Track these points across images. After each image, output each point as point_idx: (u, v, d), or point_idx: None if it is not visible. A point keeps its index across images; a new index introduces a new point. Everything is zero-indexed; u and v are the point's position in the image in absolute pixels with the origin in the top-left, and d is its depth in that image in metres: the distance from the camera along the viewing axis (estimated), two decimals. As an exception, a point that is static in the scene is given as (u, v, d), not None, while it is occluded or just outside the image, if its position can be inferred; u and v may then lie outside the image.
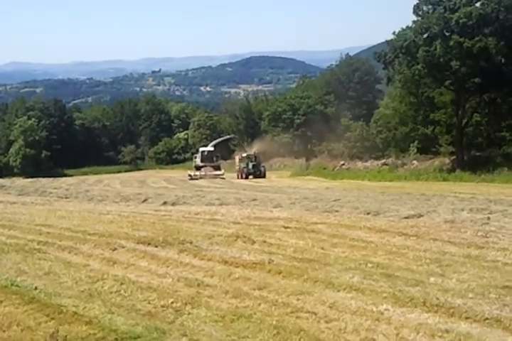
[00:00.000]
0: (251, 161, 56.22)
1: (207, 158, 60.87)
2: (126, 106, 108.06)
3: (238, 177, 55.32)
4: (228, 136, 75.24)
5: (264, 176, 54.49)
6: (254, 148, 64.42)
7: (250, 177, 53.71)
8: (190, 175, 55.74)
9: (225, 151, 72.15)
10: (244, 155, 58.36)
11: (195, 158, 62.54)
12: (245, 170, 55.13)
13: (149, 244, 12.17)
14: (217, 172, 56.76)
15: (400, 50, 42.76)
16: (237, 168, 58.03)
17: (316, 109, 74.07)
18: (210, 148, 64.90)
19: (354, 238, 12.63)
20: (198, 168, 58.78)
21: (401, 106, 50.73)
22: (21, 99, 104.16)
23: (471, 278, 8.95)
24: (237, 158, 60.42)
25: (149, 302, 8.05)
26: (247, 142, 70.59)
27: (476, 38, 39.81)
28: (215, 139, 72.15)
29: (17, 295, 8.50)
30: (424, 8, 43.66)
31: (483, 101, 45.30)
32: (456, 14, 40.28)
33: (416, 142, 50.45)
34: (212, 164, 59.89)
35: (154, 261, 10.64)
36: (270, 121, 76.68)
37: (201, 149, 64.28)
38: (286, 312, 7.49)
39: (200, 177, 53.92)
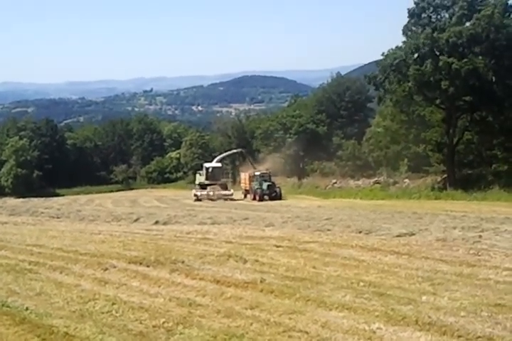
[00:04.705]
0: (265, 181, 48.57)
1: (213, 175, 52.51)
2: (118, 126, 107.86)
3: (245, 198, 49.84)
4: (236, 150, 65.10)
5: (280, 198, 47.35)
6: (266, 166, 57.16)
7: (265, 198, 47.12)
8: (196, 196, 48.89)
9: None
10: (258, 173, 49.96)
11: (200, 175, 54.03)
12: (259, 191, 47.62)
13: (141, 263, 12.14)
14: (226, 193, 49.98)
15: (390, 68, 42.98)
16: (244, 186, 52.23)
17: (307, 127, 74.04)
18: (216, 163, 55.79)
19: (346, 257, 12.64)
20: (202, 187, 51.36)
21: (392, 125, 50.99)
22: (13, 119, 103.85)
23: (463, 297, 8.96)
24: (245, 175, 53.20)
25: (141, 323, 8.02)
26: (239, 161, 68.17)
27: (465, 60, 40.01)
28: (221, 153, 62.93)
29: (8, 316, 8.45)
30: (413, 28, 44.00)
31: (474, 119, 45.45)
32: (446, 34, 40.58)
33: (406, 160, 50.58)
34: (219, 182, 52.40)
35: (146, 281, 10.61)
36: (262, 140, 76.58)
37: (206, 165, 55.04)
38: (278, 331, 7.47)
39: (209, 199, 47.78)
